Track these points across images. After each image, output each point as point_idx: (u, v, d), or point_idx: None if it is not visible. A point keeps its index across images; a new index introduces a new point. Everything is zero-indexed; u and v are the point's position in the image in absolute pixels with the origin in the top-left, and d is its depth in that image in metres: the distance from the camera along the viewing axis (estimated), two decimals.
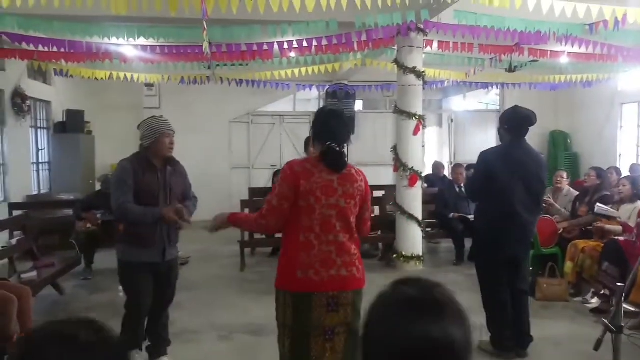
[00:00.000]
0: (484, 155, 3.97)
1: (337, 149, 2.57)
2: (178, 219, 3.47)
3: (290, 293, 2.53)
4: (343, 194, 2.55)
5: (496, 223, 3.83)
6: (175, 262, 3.78)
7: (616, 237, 5.00)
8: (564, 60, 7.96)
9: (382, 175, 11.27)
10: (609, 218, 5.36)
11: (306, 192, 2.49)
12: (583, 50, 6.85)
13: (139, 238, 3.45)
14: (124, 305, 3.66)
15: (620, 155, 9.97)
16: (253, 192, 8.71)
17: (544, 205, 5.48)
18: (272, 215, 2.56)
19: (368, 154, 11.88)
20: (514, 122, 3.90)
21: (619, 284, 2.23)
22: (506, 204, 3.77)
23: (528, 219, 3.87)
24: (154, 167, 3.46)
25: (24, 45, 6.48)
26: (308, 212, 2.51)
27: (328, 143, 2.56)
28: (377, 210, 8.31)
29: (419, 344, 0.91)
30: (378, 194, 8.49)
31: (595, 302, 5.12)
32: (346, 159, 2.65)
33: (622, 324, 2.09)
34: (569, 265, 5.30)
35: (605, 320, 2.10)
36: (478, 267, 4.12)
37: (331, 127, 2.60)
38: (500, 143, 4.13)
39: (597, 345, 2.12)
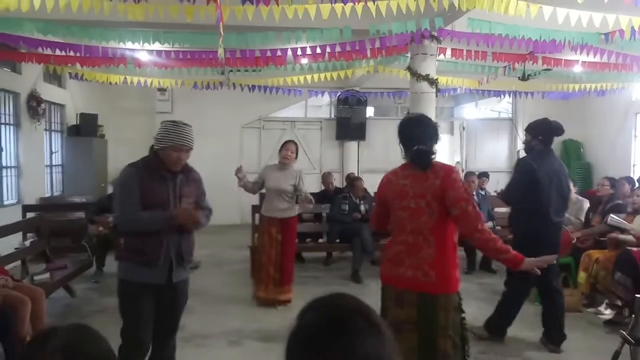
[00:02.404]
0: (528, 162, 4.23)
1: (423, 148, 2.68)
2: (194, 219, 3.00)
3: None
4: (413, 195, 2.66)
5: (535, 226, 4.12)
6: (184, 285, 3.17)
7: (629, 248, 4.95)
8: (577, 69, 7.91)
9: None
10: (622, 230, 5.29)
11: (386, 200, 2.80)
12: (598, 59, 6.80)
13: (141, 253, 2.94)
14: (119, 333, 3.01)
15: (634, 165, 9.88)
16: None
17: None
18: (374, 220, 3.05)
19: (379, 161, 11.86)
20: (548, 132, 4.20)
21: (637, 296, 2.20)
22: (544, 209, 4.10)
23: (560, 222, 4.26)
24: (163, 174, 2.99)
25: (40, 50, 6.55)
26: (390, 215, 2.79)
27: (415, 147, 2.70)
28: None
29: None
30: None
31: (609, 313, 5.06)
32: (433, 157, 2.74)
33: None
34: (582, 276, 5.25)
35: (624, 332, 2.07)
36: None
37: (409, 133, 2.78)
38: (528, 152, 4.37)
39: (615, 357, 2.09)
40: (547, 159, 4.16)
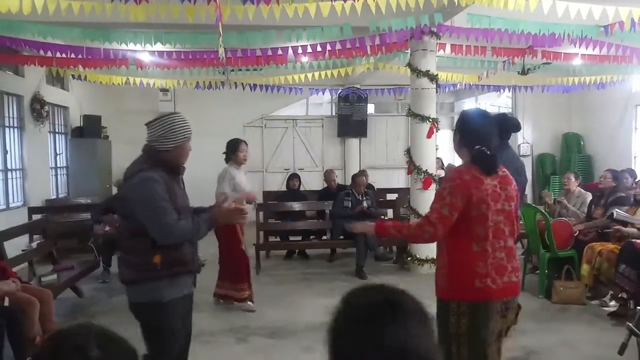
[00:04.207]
0: None
1: (487, 152, 2.51)
2: (240, 215, 2.78)
3: (466, 302, 2.46)
4: (506, 197, 2.53)
5: None
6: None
7: (633, 240, 4.97)
8: (577, 62, 7.92)
9: (394, 178, 11.31)
10: (627, 224, 5.30)
11: (478, 201, 2.45)
12: (597, 52, 6.81)
13: (184, 263, 2.64)
14: None
15: (635, 157, 9.89)
16: (267, 195, 8.79)
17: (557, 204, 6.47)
18: (442, 225, 2.47)
19: (380, 157, 11.92)
20: (505, 127, 4.18)
21: None
22: None
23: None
24: (177, 177, 2.73)
25: (42, 53, 6.60)
26: (481, 220, 2.46)
27: (477, 147, 2.51)
28: (390, 213, 8.34)
29: (387, 349, 0.89)
30: (391, 196, 8.51)
31: (613, 305, 5.09)
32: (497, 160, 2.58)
33: None
34: (585, 268, 5.27)
35: (630, 324, 2.10)
36: None
37: (477, 130, 2.59)
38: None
39: (622, 350, 2.12)
40: (505, 153, 4.20)
